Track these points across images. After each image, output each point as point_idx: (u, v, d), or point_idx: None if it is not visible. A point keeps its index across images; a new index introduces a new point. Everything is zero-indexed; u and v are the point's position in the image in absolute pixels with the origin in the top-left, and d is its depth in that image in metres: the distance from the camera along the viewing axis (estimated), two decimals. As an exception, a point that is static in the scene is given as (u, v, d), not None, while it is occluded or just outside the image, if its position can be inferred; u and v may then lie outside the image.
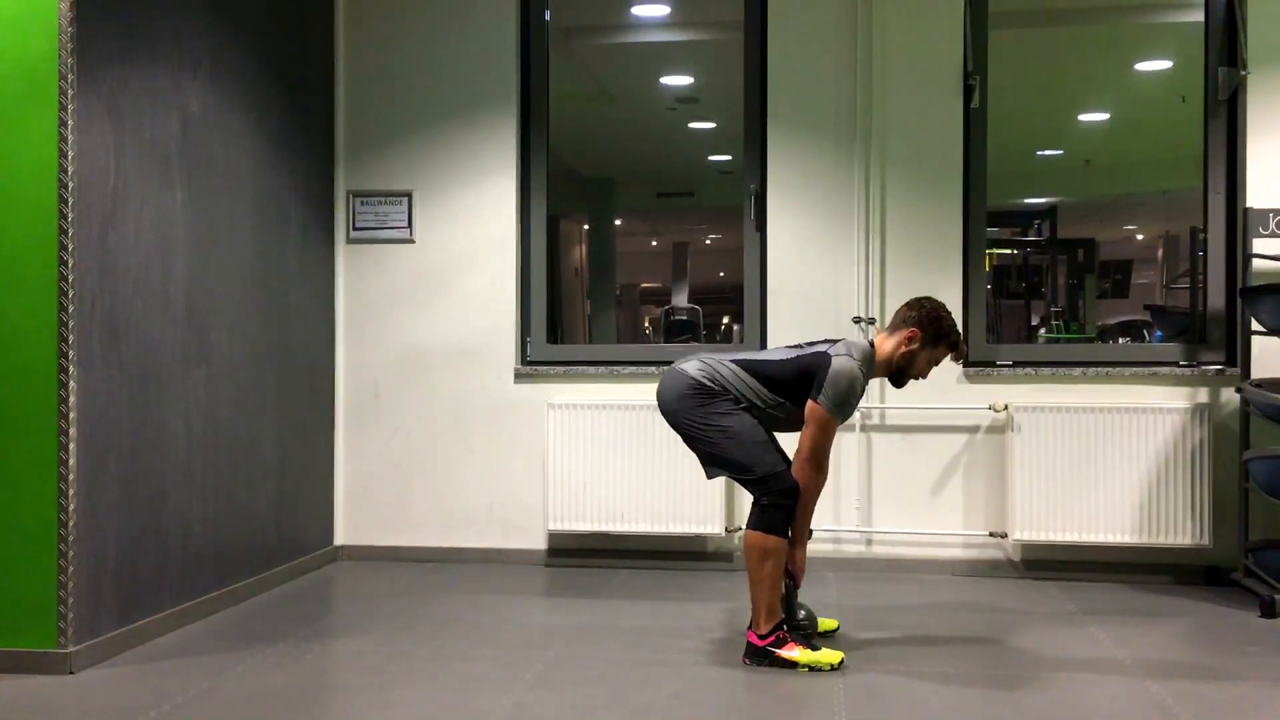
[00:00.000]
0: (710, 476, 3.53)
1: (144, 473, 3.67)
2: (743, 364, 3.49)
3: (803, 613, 3.62)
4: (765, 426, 3.48)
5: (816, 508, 3.61)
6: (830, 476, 4.66)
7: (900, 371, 3.52)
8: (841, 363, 3.37)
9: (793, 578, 3.54)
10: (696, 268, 12.45)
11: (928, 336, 3.48)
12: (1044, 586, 4.53)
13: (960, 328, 4.71)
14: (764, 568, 3.37)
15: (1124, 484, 4.50)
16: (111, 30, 3.51)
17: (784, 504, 3.39)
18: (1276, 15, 4.56)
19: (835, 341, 3.50)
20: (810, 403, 3.39)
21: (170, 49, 3.83)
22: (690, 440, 3.50)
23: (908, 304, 3.56)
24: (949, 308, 3.45)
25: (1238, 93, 4.62)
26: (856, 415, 4.74)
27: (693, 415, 3.44)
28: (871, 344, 3.51)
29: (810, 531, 3.61)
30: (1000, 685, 3.25)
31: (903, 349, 3.48)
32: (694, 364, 3.50)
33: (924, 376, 3.56)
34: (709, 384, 3.44)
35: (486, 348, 5.04)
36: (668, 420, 3.53)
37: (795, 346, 3.57)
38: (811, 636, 3.57)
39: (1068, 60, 6.90)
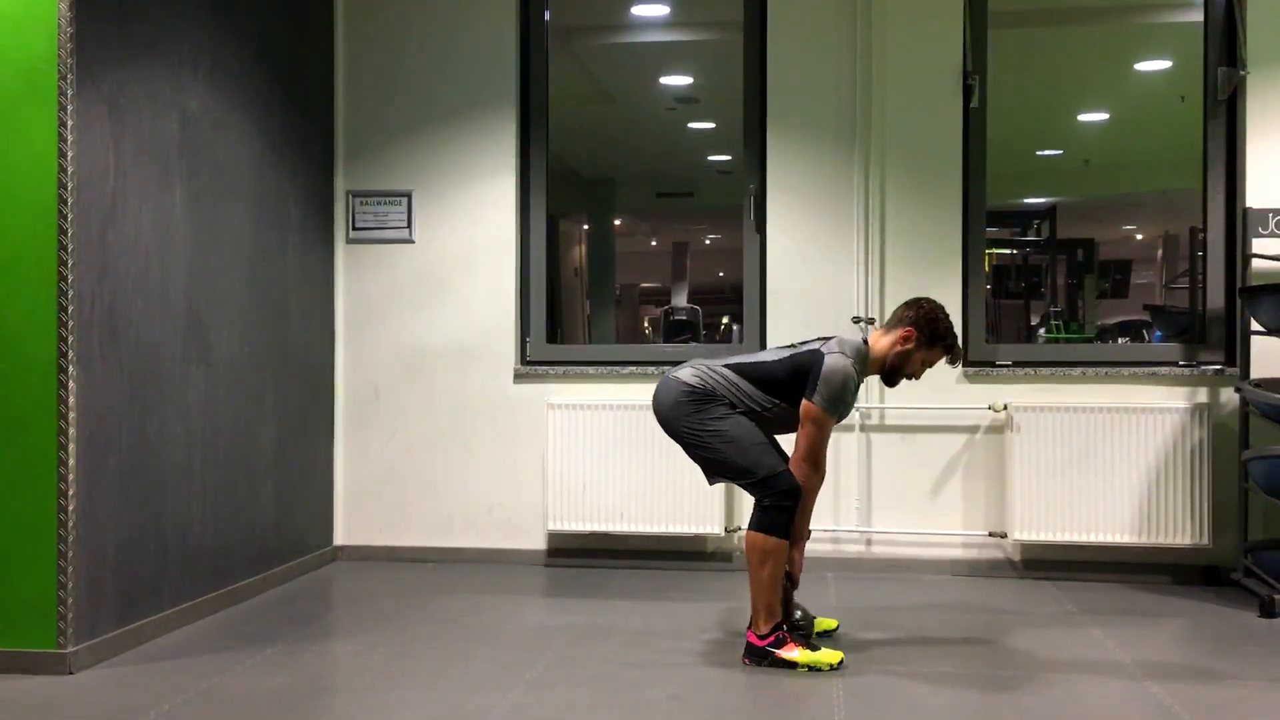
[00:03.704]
0: (712, 483, 3.52)
1: (143, 473, 3.67)
2: (735, 368, 3.48)
3: (799, 613, 3.62)
4: (762, 428, 3.47)
5: (816, 508, 3.61)
6: (830, 477, 4.68)
7: (894, 370, 3.50)
8: (834, 360, 3.35)
9: (790, 579, 3.54)
10: (696, 268, 12.44)
11: (924, 337, 3.46)
12: (1043, 586, 4.53)
13: (960, 328, 4.74)
14: (764, 568, 3.36)
15: (1123, 484, 4.50)
16: (111, 31, 3.51)
17: (786, 505, 3.37)
18: (1276, 15, 4.56)
19: (829, 339, 3.48)
20: (805, 402, 3.36)
21: (170, 49, 3.83)
22: (689, 448, 3.47)
23: (906, 303, 3.55)
24: (948, 310, 3.44)
25: (1237, 93, 4.62)
26: (855, 415, 4.75)
27: (689, 422, 3.42)
28: (866, 341, 3.49)
29: (809, 532, 3.60)
30: (1000, 686, 3.25)
31: (898, 348, 3.47)
32: (687, 370, 3.48)
33: (917, 377, 3.55)
34: (702, 389, 3.42)
35: (486, 348, 5.04)
36: (664, 429, 3.50)
37: (789, 346, 3.56)
38: (809, 636, 3.58)
39: (1067, 60, 6.90)
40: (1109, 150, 8.72)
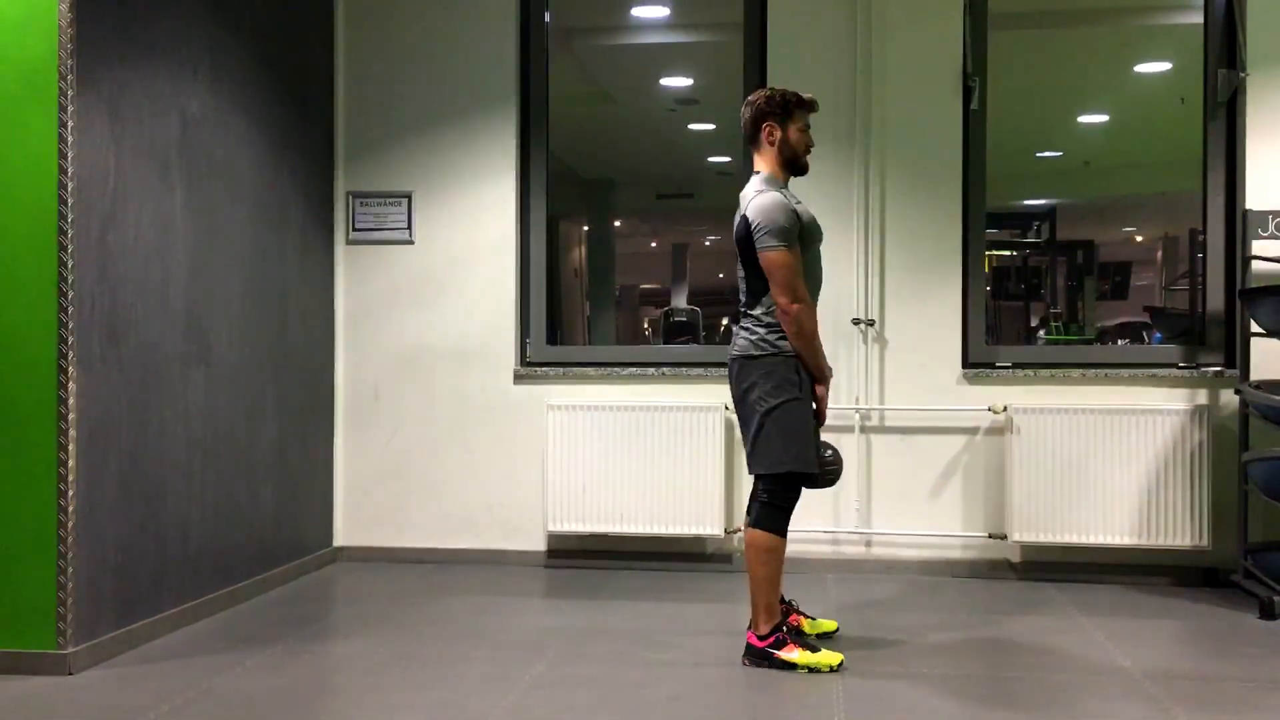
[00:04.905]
0: (753, 471, 3.48)
1: (143, 473, 3.67)
2: (742, 309, 3.57)
3: (829, 452, 3.58)
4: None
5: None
6: (829, 478, 4.68)
7: (789, 162, 3.56)
8: (755, 204, 3.42)
9: (818, 417, 3.52)
10: (696, 269, 12.44)
11: (778, 117, 3.53)
12: (1043, 588, 4.53)
13: (960, 329, 4.74)
14: (764, 566, 3.39)
15: (1123, 486, 4.50)
16: (111, 32, 3.51)
17: (785, 505, 3.42)
18: (1276, 17, 4.56)
19: (738, 206, 3.55)
20: (760, 256, 3.41)
21: (170, 50, 3.83)
22: (746, 411, 3.47)
23: (746, 117, 3.57)
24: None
25: (1237, 95, 4.62)
26: (855, 416, 4.75)
27: (744, 387, 3.45)
28: (758, 172, 3.55)
29: (830, 369, 3.58)
30: (999, 687, 3.26)
31: (773, 146, 3.54)
32: (737, 341, 3.55)
33: (810, 146, 3.60)
34: (758, 354, 3.45)
35: (486, 349, 5.04)
36: (733, 400, 3.55)
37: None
38: (837, 478, 3.58)
39: (1067, 62, 6.90)
40: (1109, 152, 8.72)
